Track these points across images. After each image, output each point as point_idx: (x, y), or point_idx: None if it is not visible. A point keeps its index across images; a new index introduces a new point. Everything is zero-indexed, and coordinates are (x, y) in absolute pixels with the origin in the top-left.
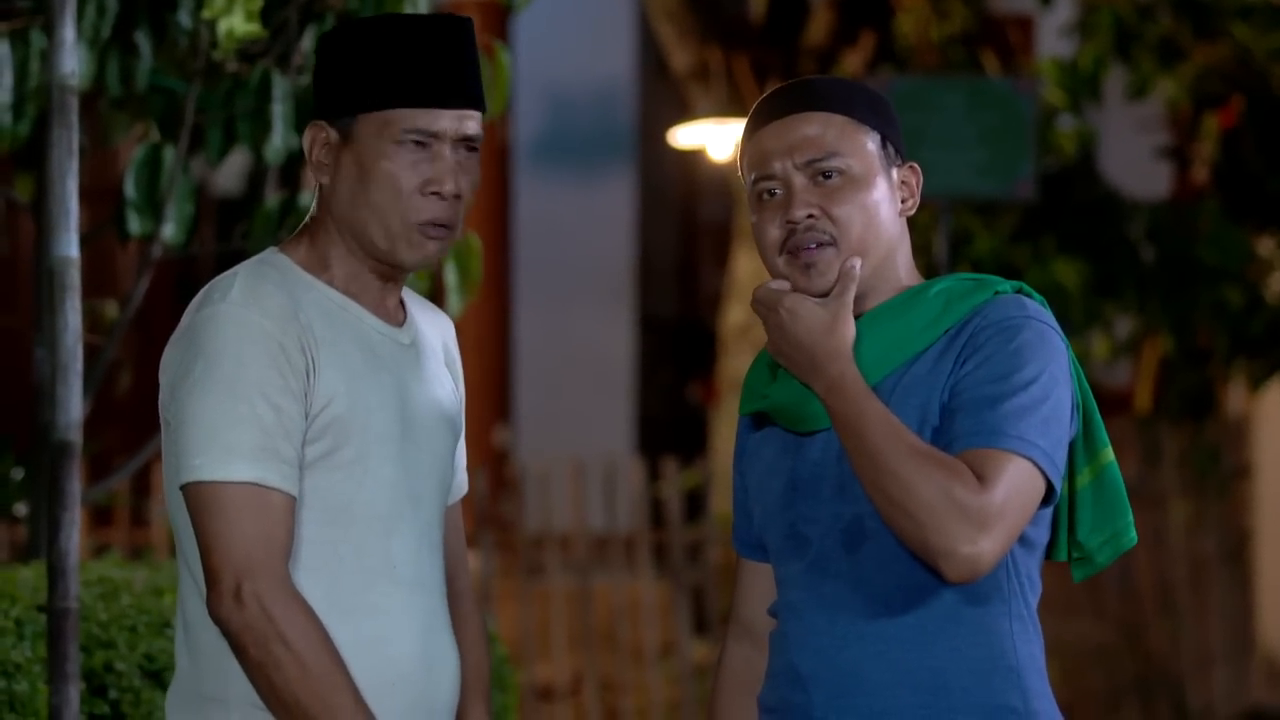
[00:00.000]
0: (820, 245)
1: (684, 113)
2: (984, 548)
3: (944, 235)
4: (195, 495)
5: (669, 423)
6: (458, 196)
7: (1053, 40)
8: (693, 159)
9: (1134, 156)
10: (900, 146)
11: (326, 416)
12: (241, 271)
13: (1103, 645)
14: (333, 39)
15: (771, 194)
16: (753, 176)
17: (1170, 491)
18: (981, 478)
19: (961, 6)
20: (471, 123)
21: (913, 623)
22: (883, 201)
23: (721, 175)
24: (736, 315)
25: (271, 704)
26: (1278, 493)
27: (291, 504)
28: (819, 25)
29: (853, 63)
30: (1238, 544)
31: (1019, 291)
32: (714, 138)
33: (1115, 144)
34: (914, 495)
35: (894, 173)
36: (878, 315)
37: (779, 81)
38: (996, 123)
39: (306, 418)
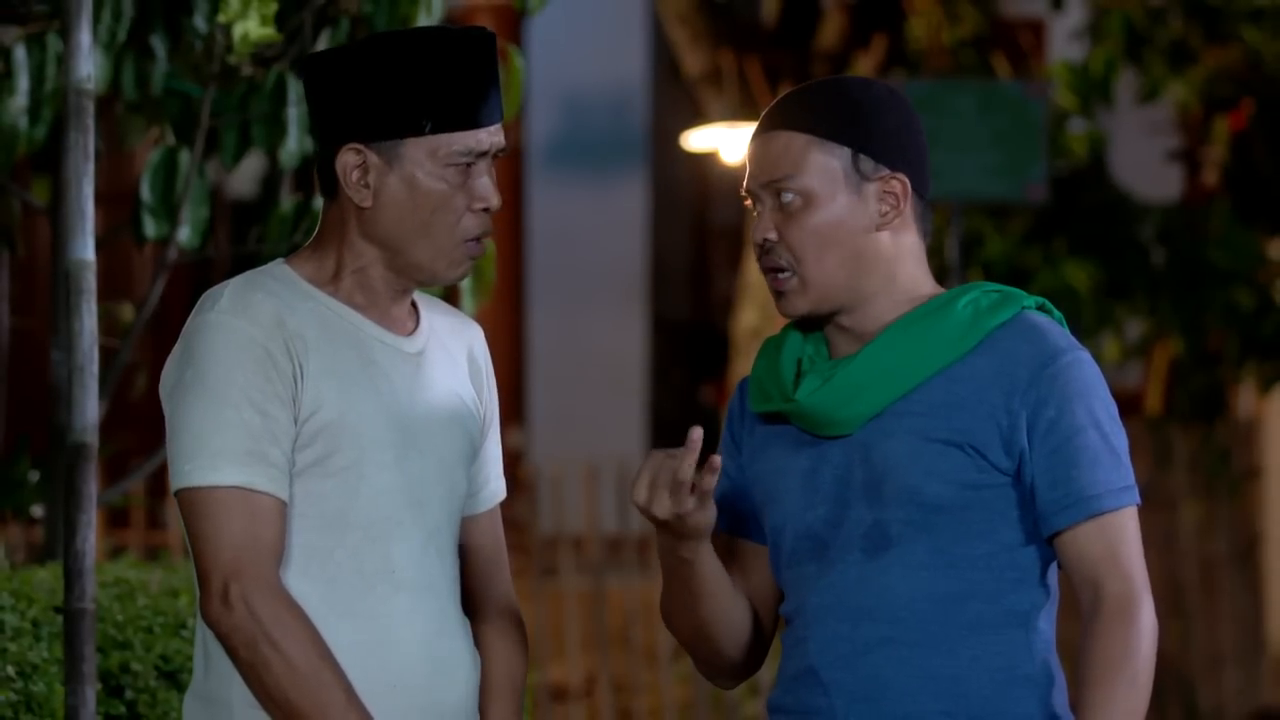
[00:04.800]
0: (781, 270)
1: (696, 116)
2: (1147, 611)
3: (956, 238)
4: (185, 501)
5: (682, 424)
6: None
7: (1064, 43)
8: (705, 162)
9: (1145, 159)
10: (889, 155)
11: (316, 423)
12: (234, 281)
13: None
14: (356, 57)
15: (754, 212)
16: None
17: (1181, 493)
18: (1109, 560)
19: (973, 10)
20: (501, 135)
21: (936, 630)
22: (845, 221)
23: (734, 178)
24: (749, 317)
25: (265, 705)
26: None
27: (281, 507)
28: (831, 29)
29: (864, 66)
30: (1248, 546)
31: (1040, 308)
32: (726, 141)
33: (1126, 147)
34: (1147, 676)
35: (870, 187)
36: (905, 325)
37: (791, 85)
38: (1008, 126)
39: (295, 423)
